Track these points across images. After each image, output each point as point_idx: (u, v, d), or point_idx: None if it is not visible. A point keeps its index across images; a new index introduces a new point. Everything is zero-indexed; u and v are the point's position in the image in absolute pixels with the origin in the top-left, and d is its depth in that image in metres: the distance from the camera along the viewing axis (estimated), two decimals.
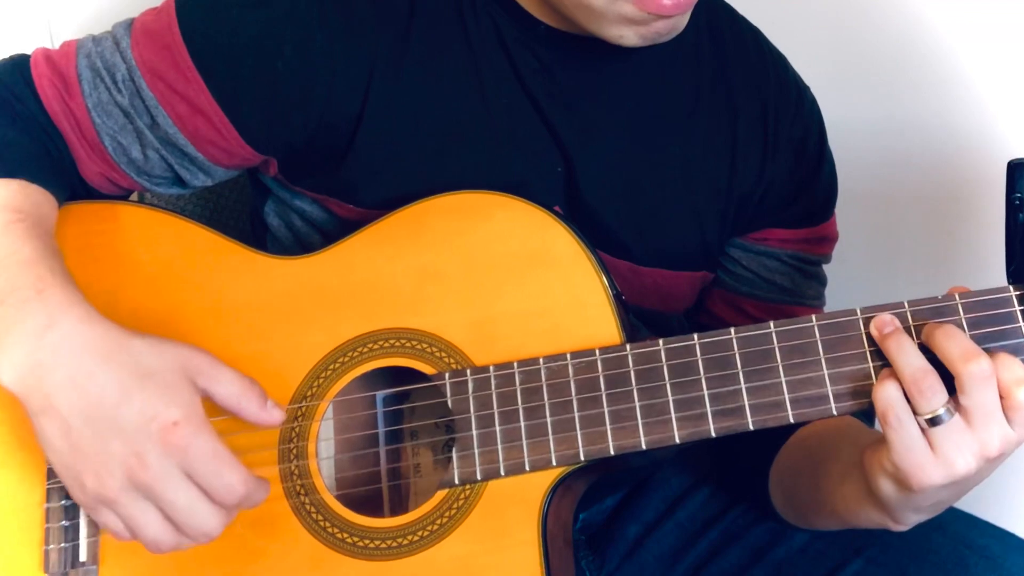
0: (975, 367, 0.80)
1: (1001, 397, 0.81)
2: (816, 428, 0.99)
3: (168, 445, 0.83)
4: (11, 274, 0.85)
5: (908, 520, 0.88)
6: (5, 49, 1.03)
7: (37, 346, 0.83)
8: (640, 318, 1.07)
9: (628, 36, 0.94)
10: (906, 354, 0.83)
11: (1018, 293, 0.85)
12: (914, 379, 0.82)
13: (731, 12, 1.10)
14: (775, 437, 1.01)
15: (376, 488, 0.98)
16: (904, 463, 0.82)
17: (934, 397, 0.81)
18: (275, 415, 0.88)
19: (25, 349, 0.83)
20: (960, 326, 0.84)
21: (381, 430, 0.97)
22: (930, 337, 0.83)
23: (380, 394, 0.97)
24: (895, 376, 0.83)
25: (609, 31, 0.94)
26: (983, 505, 1.02)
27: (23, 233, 0.88)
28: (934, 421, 0.81)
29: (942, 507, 0.88)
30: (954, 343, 0.82)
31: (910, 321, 0.85)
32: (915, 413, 0.82)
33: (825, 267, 1.13)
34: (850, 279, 1.12)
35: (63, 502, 0.92)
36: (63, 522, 0.92)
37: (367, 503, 0.96)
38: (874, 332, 0.85)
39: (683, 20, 0.95)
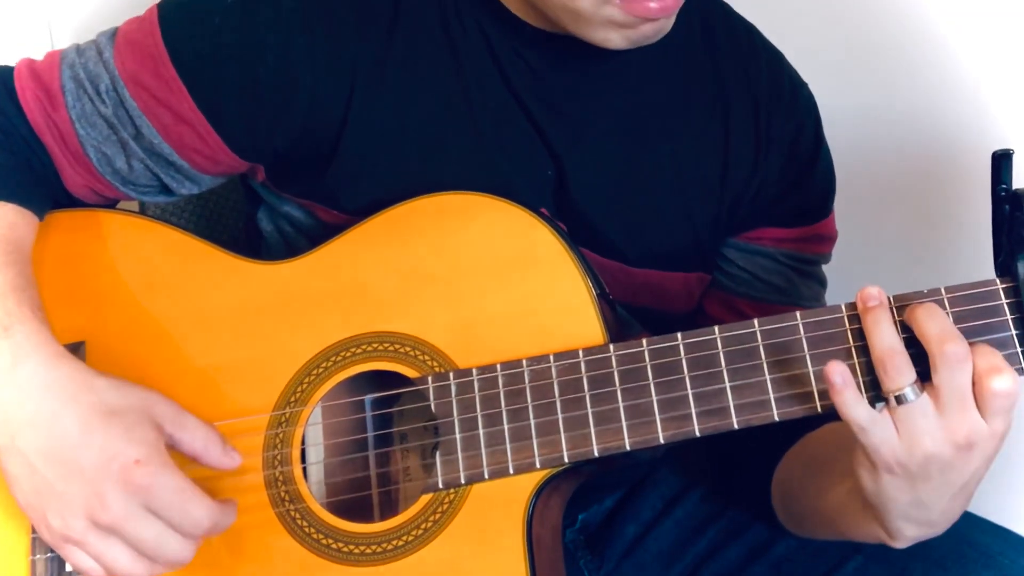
0: (951, 348, 0.80)
1: (974, 384, 0.80)
2: (817, 437, 0.98)
3: (129, 484, 0.83)
4: None
5: (902, 531, 0.86)
6: (5, 50, 1.03)
7: (1, 385, 0.84)
8: (635, 316, 1.07)
9: (614, 39, 0.93)
10: (880, 331, 0.83)
11: (1005, 286, 0.84)
12: (882, 357, 0.82)
13: (725, 8, 1.09)
14: (774, 448, 1.00)
15: (366, 492, 0.97)
16: (872, 452, 0.82)
17: (899, 377, 0.81)
18: (236, 459, 0.89)
19: None
20: None
21: (370, 434, 0.97)
22: (911, 315, 0.83)
23: (368, 398, 0.97)
24: (849, 386, 0.81)
25: (595, 34, 0.94)
26: (983, 503, 1.00)
27: None
28: (899, 399, 0.81)
29: (935, 517, 0.86)
30: (933, 323, 0.82)
31: (895, 316, 0.84)
32: (882, 391, 0.82)
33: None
34: (835, 273, 1.11)
35: None
36: None
37: (358, 507, 0.96)
38: (858, 304, 0.85)
39: (669, 22, 0.94)
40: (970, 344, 0.80)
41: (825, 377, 0.81)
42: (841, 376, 0.81)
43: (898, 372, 0.81)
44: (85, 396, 0.84)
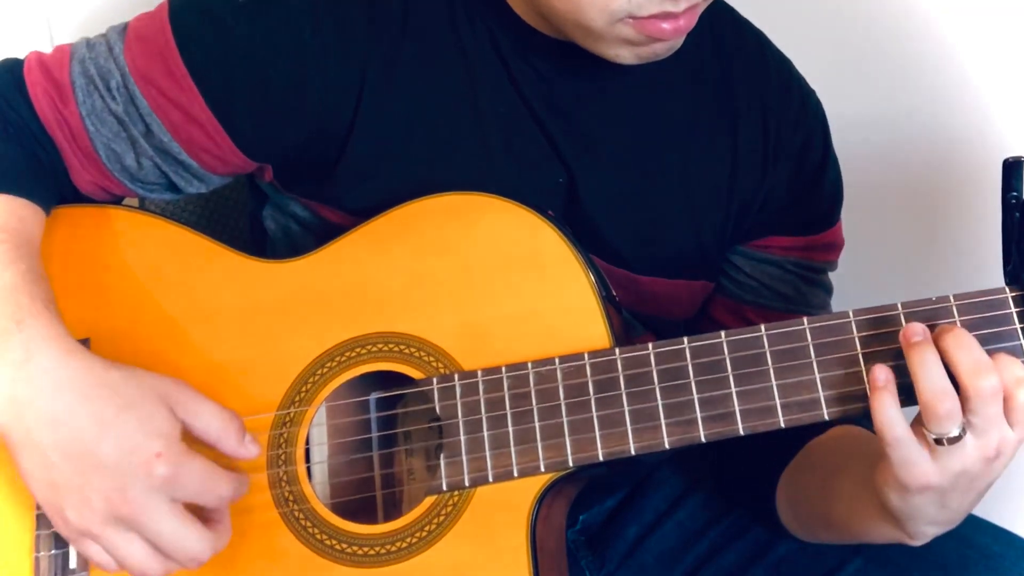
0: (986, 383, 0.79)
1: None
2: (824, 443, 0.98)
3: (152, 478, 0.83)
4: None
5: (925, 533, 0.87)
6: (5, 49, 1.02)
7: (15, 381, 0.83)
8: (637, 320, 1.06)
9: (624, 56, 0.93)
10: (928, 371, 0.80)
11: (1015, 294, 0.84)
12: (931, 402, 0.80)
13: (734, 16, 1.08)
14: (780, 454, 1.00)
15: (370, 493, 0.97)
16: (902, 473, 0.82)
17: (950, 423, 0.80)
18: (252, 450, 0.89)
19: (3, 383, 0.83)
20: None
21: (375, 435, 0.97)
22: (940, 340, 0.81)
23: (372, 399, 0.97)
24: (889, 389, 0.81)
25: (606, 50, 0.93)
26: (984, 505, 1.00)
27: (4, 256, 0.87)
28: (945, 441, 0.80)
29: (956, 517, 0.86)
30: (965, 353, 0.80)
31: (903, 323, 0.84)
32: (924, 428, 0.80)
33: None
34: (843, 280, 1.10)
35: None
36: (53, 529, 0.91)
37: (362, 508, 0.95)
38: (901, 340, 0.82)
39: (680, 40, 0.94)
40: (989, 355, 0.80)
41: (870, 374, 0.81)
42: (885, 376, 0.81)
43: (949, 418, 0.79)
44: (99, 390, 0.84)
